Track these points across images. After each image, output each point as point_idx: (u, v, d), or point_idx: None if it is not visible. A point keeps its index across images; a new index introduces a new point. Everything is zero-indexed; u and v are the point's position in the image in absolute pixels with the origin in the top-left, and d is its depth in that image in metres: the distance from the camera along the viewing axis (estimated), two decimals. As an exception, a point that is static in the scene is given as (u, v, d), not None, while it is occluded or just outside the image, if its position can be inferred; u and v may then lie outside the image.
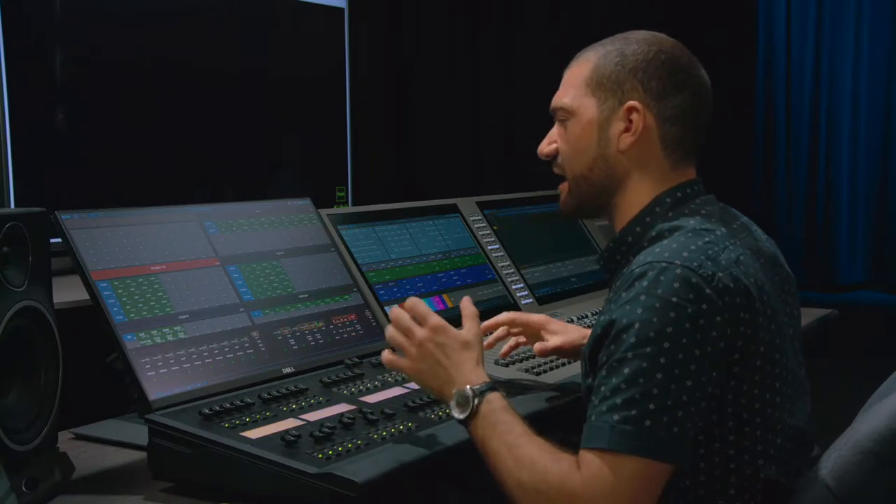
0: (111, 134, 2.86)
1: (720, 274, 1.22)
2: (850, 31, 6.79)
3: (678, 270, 1.21)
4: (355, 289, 1.91)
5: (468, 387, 1.32)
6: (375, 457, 1.31)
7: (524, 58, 5.08)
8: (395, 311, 1.41)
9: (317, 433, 1.35)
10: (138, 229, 1.63)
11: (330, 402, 1.52)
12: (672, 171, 1.39)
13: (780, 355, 1.29)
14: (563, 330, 1.72)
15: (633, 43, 1.39)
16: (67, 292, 1.90)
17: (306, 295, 1.81)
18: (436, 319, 1.39)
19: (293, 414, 1.45)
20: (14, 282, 1.33)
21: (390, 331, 1.41)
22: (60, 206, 1.55)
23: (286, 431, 1.36)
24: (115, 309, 1.50)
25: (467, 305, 1.44)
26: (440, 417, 1.48)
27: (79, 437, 1.64)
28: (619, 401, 1.18)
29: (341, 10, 3.68)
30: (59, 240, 1.51)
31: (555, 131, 1.46)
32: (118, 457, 1.54)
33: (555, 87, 1.48)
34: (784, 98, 6.90)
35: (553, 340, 1.69)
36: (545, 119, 1.51)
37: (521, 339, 1.77)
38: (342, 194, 3.69)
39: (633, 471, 1.16)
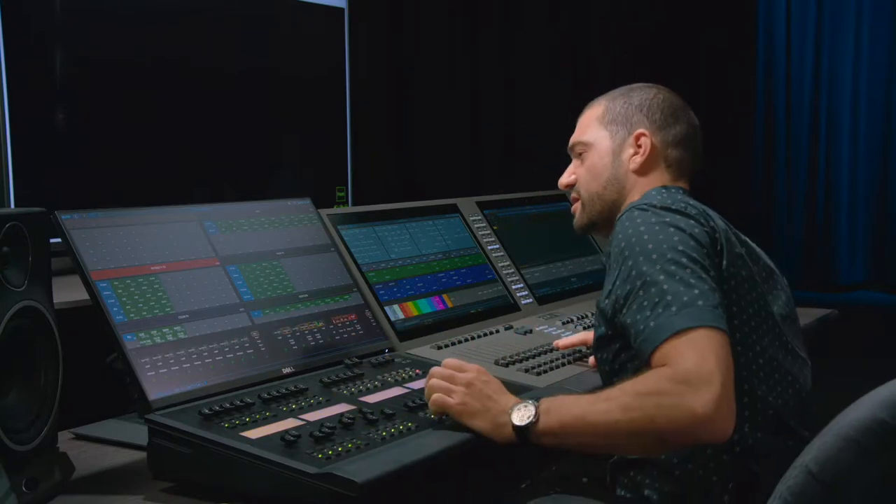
0: (111, 134, 2.86)
1: (689, 208, 1.45)
2: (850, 31, 6.78)
3: (655, 207, 1.44)
4: (355, 289, 1.91)
5: (521, 401, 1.40)
6: (375, 457, 1.31)
7: (524, 58, 5.08)
8: (432, 368, 1.50)
9: (317, 433, 1.35)
10: (138, 229, 1.63)
11: (330, 402, 1.52)
12: (670, 181, 1.64)
13: (752, 293, 1.46)
14: None
15: (636, 89, 1.69)
16: (67, 292, 1.90)
17: (306, 295, 1.81)
18: (476, 365, 1.49)
19: (293, 414, 1.45)
20: (14, 282, 1.33)
21: (431, 381, 1.47)
22: (60, 206, 1.55)
23: (286, 431, 1.36)
24: (115, 309, 1.50)
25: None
26: (440, 417, 1.48)
27: (79, 437, 1.64)
28: (669, 298, 1.33)
29: (341, 10, 3.68)
30: (59, 240, 1.51)
31: (572, 167, 1.74)
32: (118, 457, 1.54)
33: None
34: (784, 98, 6.90)
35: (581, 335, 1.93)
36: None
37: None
38: (342, 194, 3.69)
39: (707, 340, 1.29)
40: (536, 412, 1.36)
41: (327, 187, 3.65)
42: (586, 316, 2.24)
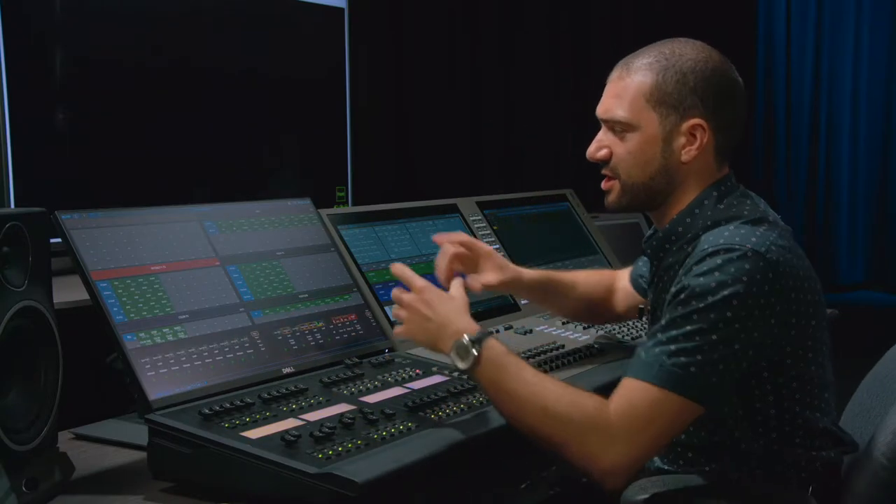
0: (111, 134, 2.86)
1: (782, 259, 1.38)
2: (850, 31, 6.79)
3: (749, 254, 1.36)
4: (355, 289, 1.91)
5: (465, 336, 1.43)
6: (375, 457, 1.31)
7: (524, 58, 5.08)
8: (394, 291, 1.55)
9: (317, 433, 1.35)
10: (138, 229, 1.63)
11: (330, 402, 1.52)
12: (717, 170, 1.54)
13: (816, 320, 1.45)
14: (502, 267, 1.78)
15: (686, 59, 1.48)
16: (67, 292, 1.90)
17: (306, 295, 1.81)
18: (420, 282, 1.52)
19: (293, 414, 1.45)
20: (14, 282, 1.33)
21: (394, 308, 1.54)
22: (60, 206, 1.55)
23: (286, 431, 1.36)
24: (115, 309, 1.50)
25: (454, 281, 1.60)
26: (440, 417, 1.48)
27: (79, 437, 1.64)
28: (673, 347, 1.33)
29: (341, 10, 3.68)
30: (59, 240, 1.51)
31: (604, 137, 1.54)
32: (118, 457, 1.54)
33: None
34: (784, 98, 6.90)
35: (485, 278, 1.74)
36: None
37: (458, 266, 1.73)
38: (342, 194, 3.69)
39: (668, 406, 1.32)
40: (476, 359, 1.40)
41: (327, 187, 3.65)
42: (586, 316, 2.24)
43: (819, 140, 6.90)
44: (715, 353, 1.33)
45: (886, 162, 6.76)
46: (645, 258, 1.79)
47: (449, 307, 1.48)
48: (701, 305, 1.34)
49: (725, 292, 1.33)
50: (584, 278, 1.95)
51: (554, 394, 1.36)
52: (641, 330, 2.10)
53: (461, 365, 1.43)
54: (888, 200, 6.75)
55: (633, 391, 1.34)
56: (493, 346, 1.42)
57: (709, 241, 1.41)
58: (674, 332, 1.34)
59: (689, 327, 1.34)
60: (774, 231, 1.44)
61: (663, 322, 1.37)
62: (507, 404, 1.40)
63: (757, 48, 6.83)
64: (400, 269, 1.56)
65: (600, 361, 1.88)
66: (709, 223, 1.48)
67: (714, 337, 1.33)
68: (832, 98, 6.88)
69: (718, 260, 1.36)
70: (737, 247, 1.37)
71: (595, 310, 1.96)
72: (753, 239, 1.39)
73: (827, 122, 6.90)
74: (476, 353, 1.41)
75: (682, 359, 1.32)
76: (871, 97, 6.76)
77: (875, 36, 6.73)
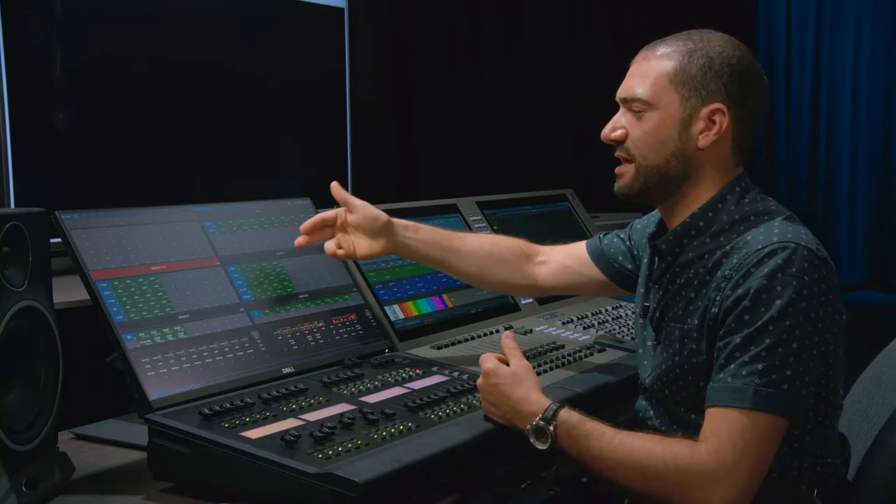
0: (111, 134, 2.85)
1: (827, 255, 1.40)
2: (850, 31, 6.79)
3: (805, 252, 1.36)
4: (355, 289, 1.91)
5: (538, 419, 1.43)
6: (375, 457, 1.31)
7: (525, 57, 5.08)
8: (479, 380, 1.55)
9: (317, 433, 1.35)
10: (138, 229, 1.63)
11: (330, 402, 1.52)
12: (734, 167, 1.52)
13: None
14: (363, 206, 1.83)
15: (714, 45, 1.47)
16: (67, 292, 1.90)
17: (306, 295, 1.81)
18: (487, 365, 1.51)
19: (293, 414, 1.45)
20: (14, 282, 1.34)
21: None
22: (60, 206, 1.55)
23: (286, 431, 1.36)
24: (115, 309, 1.50)
25: (507, 342, 1.59)
26: (440, 417, 1.48)
27: (79, 437, 1.64)
28: (760, 367, 1.32)
29: (341, 10, 3.68)
30: (59, 240, 1.51)
31: (622, 118, 1.52)
32: (118, 457, 1.55)
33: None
34: (784, 98, 6.90)
35: (361, 250, 1.77)
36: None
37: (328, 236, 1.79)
38: (342, 194, 3.68)
39: (759, 428, 1.31)
40: (553, 439, 1.41)
41: (327, 187, 3.64)
42: (586, 316, 2.24)
43: (819, 140, 6.90)
44: (801, 366, 1.32)
45: (886, 162, 6.75)
46: (624, 249, 1.81)
47: (519, 388, 1.47)
48: (774, 314, 1.32)
49: (794, 295, 1.32)
50: (478, 242, 1.87)
51: (643, 450, 1.35)
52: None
53: (541, 446, 1.42)
54: (888, 200, 6.74)
55: (724, 421, 1.32)
56: (566, 419, 1.41)
57: (759, 240, 1.40)
58: (755, 349, 1.32)
59: (768, 340, 1.32)
60: (805, 228, 1.44)
61: (737, 339, 1.34)
62: (599, 470, 1.39)
63: (757, 48, 6.83)
64: (483, 358, 1.54)
65: (600, 361, 1.88)
66: (736, 217, 1.47)
67: (795, 346, 1.32)
68: (832, 98, 6.88)
69: (779, 260, 1.35)
70: (791, 244, 1.36)
71: (491, 277, 1.86)
72: (803, 236, 1.39)
73: (827, 122, 6.89)
74: (552, 432, 1.41)
75: (774, 376, 1.31)
76: (871, 97, 6.76)
77: (875, 36, 6.72)
